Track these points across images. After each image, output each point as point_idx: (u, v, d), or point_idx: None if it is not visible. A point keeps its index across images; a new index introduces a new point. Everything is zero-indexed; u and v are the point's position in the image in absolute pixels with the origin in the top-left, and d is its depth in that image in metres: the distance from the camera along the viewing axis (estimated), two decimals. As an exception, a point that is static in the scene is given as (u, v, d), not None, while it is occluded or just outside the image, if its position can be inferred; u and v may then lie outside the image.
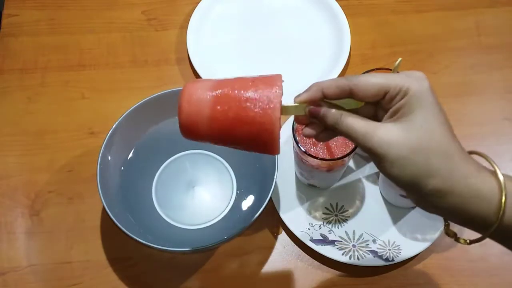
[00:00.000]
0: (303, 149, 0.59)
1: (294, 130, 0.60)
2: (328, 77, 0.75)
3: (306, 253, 0.66)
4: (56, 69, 0.79)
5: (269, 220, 0.68)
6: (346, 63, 0.78)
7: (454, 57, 0.80)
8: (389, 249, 0.65)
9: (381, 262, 0.64)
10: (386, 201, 0.68)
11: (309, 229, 0.66)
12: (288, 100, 0.43)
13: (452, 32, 0.83)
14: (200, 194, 0.68)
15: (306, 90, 0.43)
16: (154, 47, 0.81)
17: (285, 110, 0.43)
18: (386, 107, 0.41)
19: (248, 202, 0.67)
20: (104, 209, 0.59)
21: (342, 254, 0.64)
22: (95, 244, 0.67)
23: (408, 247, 0.65)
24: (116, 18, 0.84)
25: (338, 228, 0.67)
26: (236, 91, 0.42)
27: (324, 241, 0.65)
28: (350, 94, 0.41)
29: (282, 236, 0.68)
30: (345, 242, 0.66)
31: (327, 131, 0.44)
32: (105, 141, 0.63)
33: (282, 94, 0.42)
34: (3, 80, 0.78)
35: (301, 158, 0.61)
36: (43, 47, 0.81)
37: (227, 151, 0.69)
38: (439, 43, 0.82)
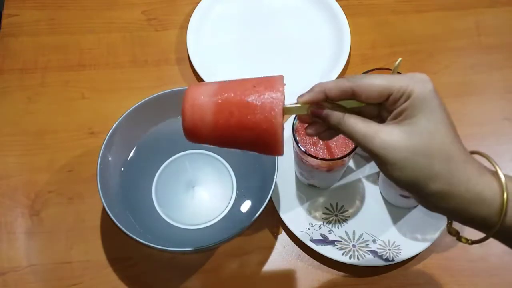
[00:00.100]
0: (303, 149, 0.59)
1: (294, 130, 0.60)
2: (328, 77, 0.76)
3: (306, 253, 0.66)
4: (56, 69, 0.79)
5: (269, 220, 0.68)
6: (346, 63, 0.78)
7: (454, 57, 0.80)
8: (389, 249, 0.65)
9: (381, 262, 0.64)
10: (386, 201, 0.68)
11: (309, 229, 0.66)
12: (289, 100, 0.43)
13: (452, 32, 0.83)
14: (200, 194, 0.68)
15: (308, 91, 0.43)
16: (154, 47, 0.81)
17: (287, 111, 0.43)
18: (389, 108, 0.41)
19: (248, 202, 0.67)
20: (104, 209, 0.59)
21: (342, 254, 0.64)
22: (95, 244, 0.67)
23: (408, 247, 0.65)
24: (116, 18, 0.84)
25: (338, 228, 0.67)
26: (238, 97, 0.42)
27: (324, 241, 0.65)
28: (352, 95, 0.41)
29: (282, 236, 0.68)
30: (345, 242, 0.66)
31: (330, 130, 0.44)
32: (105, 141, 0.63)
33: (284, 98, 0.42)
34: (3, 80, 0.78)
35: (301, 158, 0.61)
36: (43, 47, 0.81)
37: (227, 151, 0.69)
38: (439, 43, 0.82)
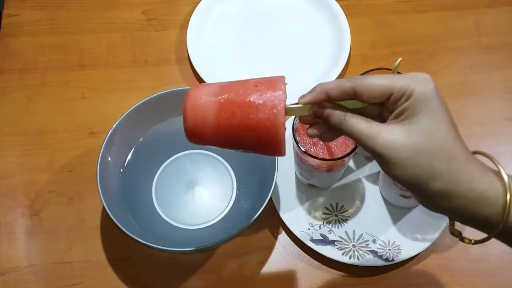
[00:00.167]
0: (303, 149, 0.59)
1: (294, 130, 0.60)
2: (328, 77, 0.76)
3: (306, 253, 0.66)
4: (56, 69, 0.79)
5: (269, 220, 0.68)
6: (346, 63, 0.78)
7: (454, 57, 0.80)
8: (389, 249, 0.65)
9: (381, 262, 0.64)
10: (386, 201, 0.68)
11: (309, 229, 0.66)
12: (289, 100, 0.43)
13: (452, 32, 0.83)
14: (200, 194, 0.68)
15: (310, 91, 0.43)
16: (154, 47, 0.81)
17: (289, 111, 0.43)
18: (391, 108, 0.41)
19: (248, 202, 0.67)
20: (104, 209, 0.59)
21: (342, 254, 0.64)
22: (95, 244, 0.67)
23: (408, 247, 0.65)
24: (116, 18, 0.84)
25: (338, 228, 0.67)
26: (240, 97, 0.42)
27: (324, 241, 0.65)
28: (354, 96, 0.41)
29: (282, 236, 0.68)
30: (345, 242, 0.66)
31: (331, 131, 0.44)
32: (105, 141, 0.63)
33: (286, 97, 0.42)
34: (3, 80, 0.78)
35: (301, 158, 0.61)
36: (43, 47, 0.81)
37: (227, 151, 0.69)
38: (439, 43, 0.82)
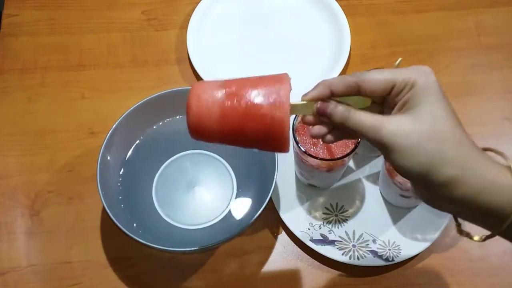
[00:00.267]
0: (303, 149, 0.59)
1: (294, 130, 0.60)
2: (328, 77, 0.75)
3: (306, 253, 0.66)
4: (56, 69, 0.79)
5: (269, 220, 0.68)
6: (346, 63, 0.78)
7: (454, 57, 0.80)
8: (389, 249, 0.65)
9: (381, 262, 0.64)
10: (386, 201, 0.68)
11: (309, 229, 0.66)
12: (292, 99, 0.43)
13: (452, 32, 0.83)
14: (200, 194, 0.68)
15: (313, 88, 0.43)
16: (154, 47, 0.81)
17: (293, 109, 0.43)
18: (393, 102, 0.41)
19: (248, 202, 0.67)
20: (104, 209, 0.59)
21: (342, 254, 0.64)
22: (95, 244, 0.67)
23: (408, 247, 0.65)
24: (116, 18, 0.84)
25: (338, 228, 0.67)
26: (244, 88, 0.42)
27: (324, 241, 0.65)
28: (357, 90, 0.41)
29: (282, 236, 0.68)
30: (345, 242, 0.66)
31: (334, 131, 0.43)
32: (105, 141, 0.63)
33: (290, 89, 0.42)
34: (3, 80, 0.78)
35: (301, 158, 0.61)
36: (43, 47, 0.81)
37: (227, 151, 0.69)
38: (439, 43, 0.82)
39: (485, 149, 0.41)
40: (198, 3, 0.83)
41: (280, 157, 0.63)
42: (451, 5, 0.84)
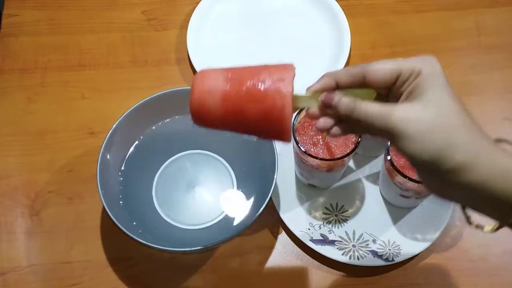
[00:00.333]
0: (303, 149, 0.59)
1: (294, 130, 0.60)
2: (328, 77, 0.76)
3: (306, 253, 0.66)
4: (56, 69, 0.79)
5: (269, 220, 0.68)
6: (346, 63, 0.78)
7: (454, 57, 0.80)
8: (389, 249, 0.65)
9: (381, 262, 0.64)
10: (386, 201, 0.68)
11: (309, 229, 0.66)
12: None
13: (452, 32, 0.83)
14: (200, 194, 0.68)
15: (318, 80, 0.42)
16: (154, 47, 0.81)
17: (297, 101, 0.42)
18: (398, 92, 0.40)
19: (248, 202, 0.67)
20: (104, 209, 0.59)
21: (342, 254, 0.64)
22: (95, 244, 0.67)
23: (408, 247, 0.65)
24: (116, 18, 0.84)
25: (338, 228, 0.67)
26: (248, 71, 0.42)
27: (324, 241, 0.65)
28: (363, 80, 0.41)
29: (282, 236, 0.68)
30: (345, 242, 0.66)
31: (339, 124, 0.42)
32: (105, 141, 0.63)
33: (294, 74, 0.42)
34: (3, 80, 0.78)
35: (301, 158, 0.61)
36: (43, 47, 0.81)
37: (227, 151, 0.69)
38: (439, 43, 0.82)
39: (497, 140, 0.41)
40: (198, 3, 0.83)
41: (280, 157, 0.63)
42: (451, 5, 0.84)
